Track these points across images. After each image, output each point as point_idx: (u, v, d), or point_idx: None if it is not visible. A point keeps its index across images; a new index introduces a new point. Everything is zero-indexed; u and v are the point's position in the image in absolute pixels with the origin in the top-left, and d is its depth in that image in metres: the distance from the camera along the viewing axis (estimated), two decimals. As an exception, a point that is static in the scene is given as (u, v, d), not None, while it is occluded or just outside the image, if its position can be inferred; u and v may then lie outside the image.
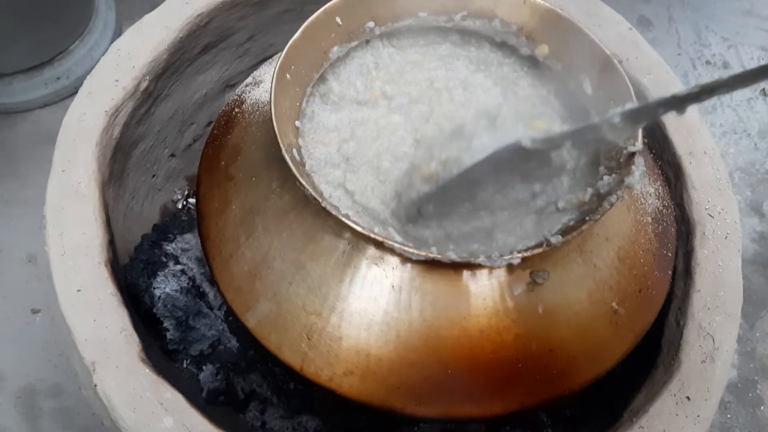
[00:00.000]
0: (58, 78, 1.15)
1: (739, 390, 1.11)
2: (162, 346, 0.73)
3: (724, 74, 0.49)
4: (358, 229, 0.53)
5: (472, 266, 0.55)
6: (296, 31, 0.63)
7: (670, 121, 0.78)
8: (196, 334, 0.74)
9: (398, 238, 0.55)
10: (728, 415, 1.09)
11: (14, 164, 1.21)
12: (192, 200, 0.86)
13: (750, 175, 1.28)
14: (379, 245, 0.54)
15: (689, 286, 0.70)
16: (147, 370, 0.59)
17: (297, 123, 0.62)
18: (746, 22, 1.48)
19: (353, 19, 0.67)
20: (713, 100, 1.29)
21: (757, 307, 1.18)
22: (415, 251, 0.52)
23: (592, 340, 0.60)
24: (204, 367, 0.75)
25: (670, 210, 0.70)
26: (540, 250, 0.53)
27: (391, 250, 0.54)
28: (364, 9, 0.68)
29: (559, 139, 0.56)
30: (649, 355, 0.71)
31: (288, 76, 0.61)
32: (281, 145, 0.56)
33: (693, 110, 0.80)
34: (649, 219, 0.67)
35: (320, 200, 0.53)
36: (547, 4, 0.68)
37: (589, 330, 0.60)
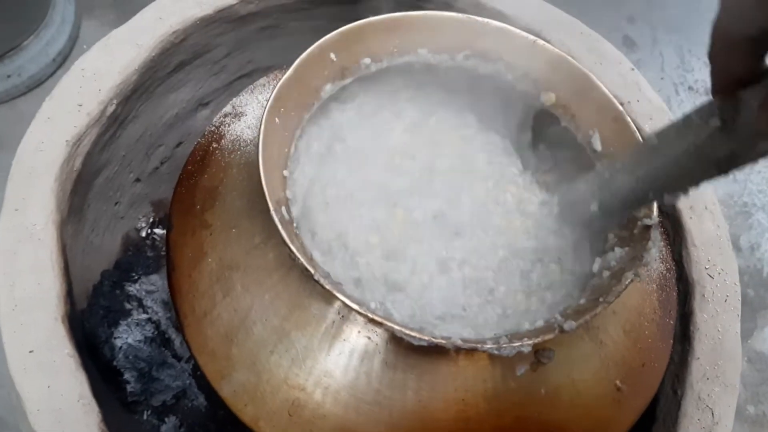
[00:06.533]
0: (8, 76, 1.04)
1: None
2: (121, 398, 0.67)
3: (706, 101, 0.45)
4: (353, 305, 0.47)
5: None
6: (285, 63, 0.58)
7: (671, 171, 0.75)
8: (159, 385, 0.68)
9: (397, 318, 0.50)
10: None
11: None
12: (158, 230, 0.79)
13: (728, 207, 1.26)
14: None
15: (687, 352, 0.67)
16: (107, 445, 0.53)
17: (285, 172, 0.56)
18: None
19: (348, 55, 0.61)
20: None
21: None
22: (418, 335, 0.47)
23: (594, 421, 0.57)
24: (166, 419, 0.69)
25: (672, 273, 0.66)
26: (551, 336, 0.49)
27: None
28: (361, 45, 0.62)
29: None
30: (642, 423, 0.67)
31: (277, 120, 0.55)
32: (270, 205, 0.50)
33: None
34: (654, 286, 0.63)
35: (312, 271, 0.48)
36: (557, 50, 0.63)
37: (591, 410, 0.56)
